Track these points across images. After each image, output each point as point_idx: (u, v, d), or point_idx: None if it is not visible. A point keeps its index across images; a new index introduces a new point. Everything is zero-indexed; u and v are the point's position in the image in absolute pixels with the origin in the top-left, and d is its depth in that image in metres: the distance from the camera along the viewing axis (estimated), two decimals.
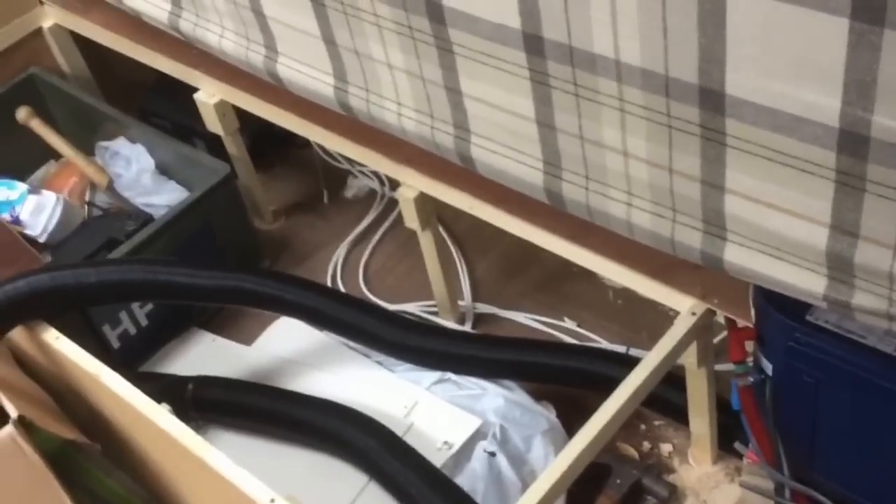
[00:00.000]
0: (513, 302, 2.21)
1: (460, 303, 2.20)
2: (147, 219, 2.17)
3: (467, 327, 2.18)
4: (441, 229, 2.09)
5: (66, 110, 2.47)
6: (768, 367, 1.43)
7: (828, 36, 0.94)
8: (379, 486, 1.75)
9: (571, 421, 1.77)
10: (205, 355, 2.13)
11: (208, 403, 1.91)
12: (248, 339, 2.14)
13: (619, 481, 1.79)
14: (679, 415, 1.81)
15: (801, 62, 0.99)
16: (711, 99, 1.10)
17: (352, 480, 1.78)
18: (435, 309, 2.18)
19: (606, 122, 1.25)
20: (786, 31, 0.97)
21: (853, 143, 1.00)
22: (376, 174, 2.52)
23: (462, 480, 1.73)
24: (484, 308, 2.22)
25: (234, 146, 2.30)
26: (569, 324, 2.14)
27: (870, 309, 1.14)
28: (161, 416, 1.53)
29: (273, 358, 2.06)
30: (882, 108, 0.96)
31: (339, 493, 1.77)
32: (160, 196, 2.28)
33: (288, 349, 2.07)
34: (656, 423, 1.92)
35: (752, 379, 1.46)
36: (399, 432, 1.79)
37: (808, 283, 1.19)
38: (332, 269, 2.35)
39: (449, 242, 2.32)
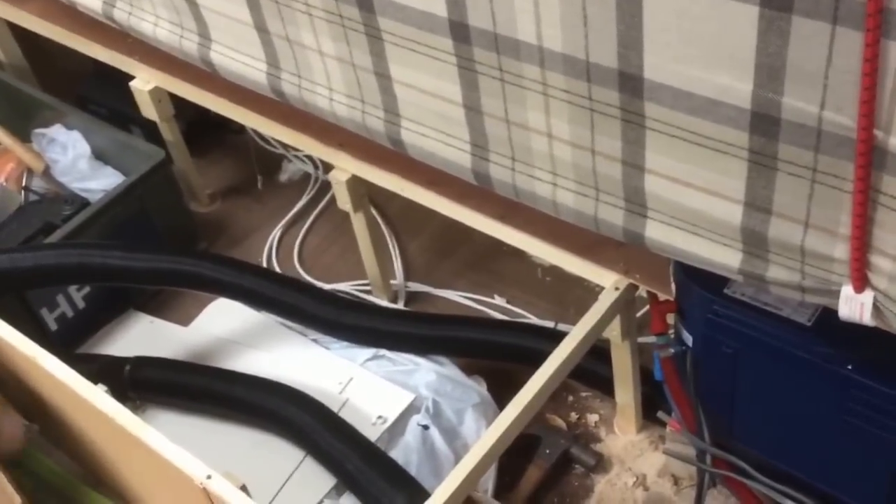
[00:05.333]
0: (444, 280, 2.24)
1: (393, 282, 2.22)
2: (83, 203, 2.17)
3: (400, 305, 2.20)
4: (373, 210, 2.11)
5: (2, 98, 2.46)
6: (689, 339, 1.46)
7: (739, 22, 0.96)
8: (315, 462, 1.77)
9: (502, 394, 1.80)
10: (143, 337, 2.14)
11: (146, 383, 1.92)
12: (185, 321, 2.15)
13: (548, 451, 1.82)
14: (605, 386, 1.84)
15: (715, 48, 1.01)
16: (630, 83, 1.12)
17: (289, 456, 1.80)
18: (368, 288, 2.20)
19: (531, 106, 1.27)
20: (700, 18, 0.99)
21: (764, 124, 1.03)
22: (310, 158, 2.54)
23: (396, 454, 1.76)
24: (416, 287, 2.24)
25: (170, 132, 2.31)
26: (499, 301, 2.17)
27: (783, 282, 1.17)
28: (98, 396, 1.52)
29: (210, 338, 2.08)
30: (791, 91, 0.98)
31: (276, 468, 1.79)
32: (96, 181, 2.28)
33: (225, 329, 2.08)
34: (583, 394, 1.95)
35: (673, 350, 1.49)
36: (335, 408, 1.82)
37: (724, 257, 1.21)
38: (268, 251, 2.37)
39: (381, 223, 2.34)
